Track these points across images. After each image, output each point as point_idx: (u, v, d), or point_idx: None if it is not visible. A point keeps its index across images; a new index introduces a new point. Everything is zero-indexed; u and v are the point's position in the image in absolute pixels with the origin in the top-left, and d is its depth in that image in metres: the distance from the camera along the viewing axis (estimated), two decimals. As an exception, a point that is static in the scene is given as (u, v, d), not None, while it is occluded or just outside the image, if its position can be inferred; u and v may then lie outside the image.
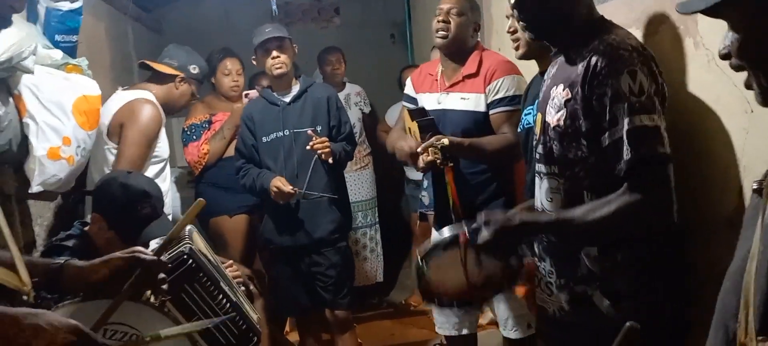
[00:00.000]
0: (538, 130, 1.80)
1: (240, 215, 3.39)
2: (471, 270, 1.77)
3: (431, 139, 2.36)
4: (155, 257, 1.46)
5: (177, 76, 2.96)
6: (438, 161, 2.36)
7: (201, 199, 1.65)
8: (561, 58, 1.74)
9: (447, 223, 2.62)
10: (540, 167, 1.79)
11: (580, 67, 1.61)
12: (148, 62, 3.03)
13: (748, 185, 1.62)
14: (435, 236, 2.93)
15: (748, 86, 1.02)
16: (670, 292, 1.67)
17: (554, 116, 1.68)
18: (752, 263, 0.98)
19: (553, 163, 1.73)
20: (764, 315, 0.95)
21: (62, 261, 1.46)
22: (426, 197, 3.95)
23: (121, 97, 2.82)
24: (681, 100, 1.77)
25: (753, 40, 0.97)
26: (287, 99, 3.07)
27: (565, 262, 1.74)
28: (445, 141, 2.35)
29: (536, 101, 1.95)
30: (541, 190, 1.80)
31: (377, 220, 4.28)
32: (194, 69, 3.02)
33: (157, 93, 2.88)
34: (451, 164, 2.41)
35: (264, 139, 3.04)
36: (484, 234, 1.68)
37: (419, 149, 2.40)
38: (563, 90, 1.66)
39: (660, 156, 1.54)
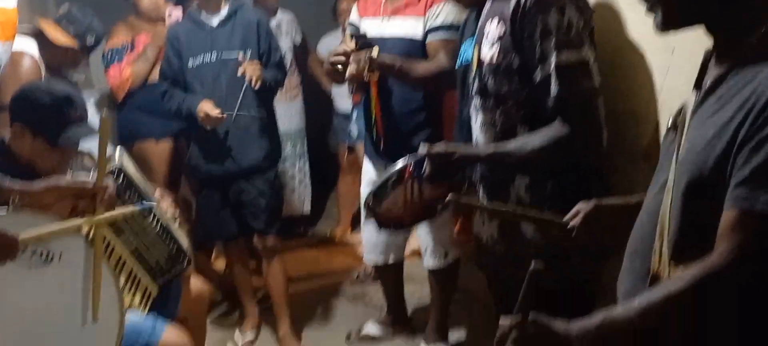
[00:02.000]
0: (474, 64, 1.84)
1: (166, 139, 3.30)
2: (414, 201, 1.86)
3: (363, 50, 2.38)
4: (103, 184, 1.44)
5: (69, 48, 2.83)
6: (365, 72, 2.38)
7: (104, 112, 1.61)
8: None
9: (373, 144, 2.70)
10: (476, 101, 1.84)
11: (512, 3, 1.65)
12: (43, 26, 2.84)
13: (665, 120, 1.73)
14: (366, 165, 2.98)
15: (650, 10, 1.06)
16: None
17: (488, 52, 1.73)
18: (667, 196, 1.05)
19: (487, 98, 1.78)
20: (677, 244, 1.02)
21: None
22: (354, 129, 3.97)
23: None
24: (609, 37, 1.85)
25: None
26: (215, 22, 2.97)
27: (497, 192, 1.82)
28: (375, 52, 2.38)
29: (473, 36, 1.99)
30: (476, 123, 1.85)
31: (306, 151, 4.27)
32: (90, 39, 2.89)
33: (43, 52, 2.71)
34: (376, 78, 2.44)
35: (191, 62, 2.95)
36: (427, 166, 1.76)
37: (350, 51, 2.41)
38: (497, 26, 1.70)
39: (587, 90, 1.61)
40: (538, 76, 1.63)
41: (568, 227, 1.45)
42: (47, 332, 1.58)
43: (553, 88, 1.60)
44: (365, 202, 2.00)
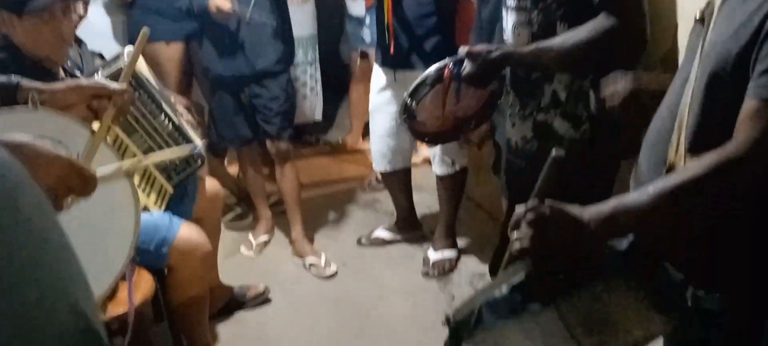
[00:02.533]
0: None
1: (177, 42, 3.27)
2: (452, 103, 1.86)
3: None
4: (124, 86, 1.44)
5: None
6: None
7: (145, 28, 1.59)
8: None
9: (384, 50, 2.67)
10: (509, 2, 1.80)
11: None
12: None
13: (684, 27, 1.69)
14: (376, 72, 2.95)
15: None
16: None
17: None
18: (689, 88, 1.04)
19: None
20: (695, 136, 1.02)
21: (16, 81, 1.41)
22: (367, 34, 3.91)
23: None
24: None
25: None
26: None
27: (530, 93, 1.82)
28: None
29: None
30: (508, 25, 1.82)
31: (317, 58, 4.22)
32: None
33: None
34: None
35: (201, -43, 2.87)
36: (468, 66, 1.75)
37: None
38: None
39: None
40: None
41: (607, 106, 1.42)
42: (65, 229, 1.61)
43: None
44: (402, 104, 1.98)
